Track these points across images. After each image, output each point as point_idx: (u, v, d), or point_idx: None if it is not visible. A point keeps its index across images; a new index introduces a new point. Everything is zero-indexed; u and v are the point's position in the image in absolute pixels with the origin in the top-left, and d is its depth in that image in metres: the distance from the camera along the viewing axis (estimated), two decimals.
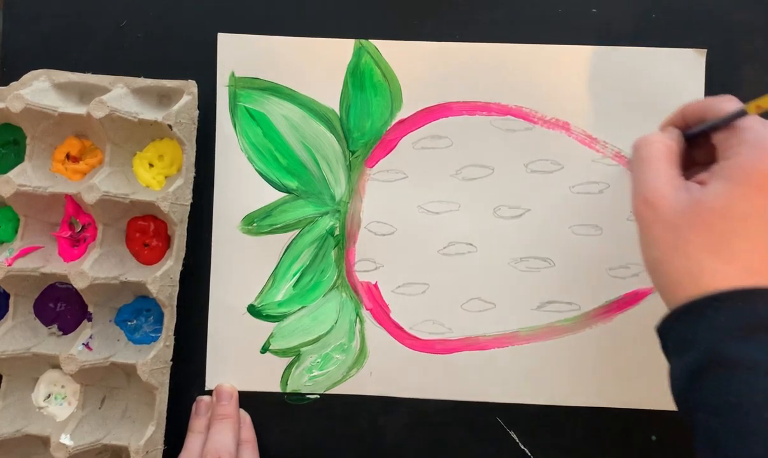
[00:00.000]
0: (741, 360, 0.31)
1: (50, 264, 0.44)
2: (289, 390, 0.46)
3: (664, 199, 0.34)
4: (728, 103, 0.35)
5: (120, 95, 0.43)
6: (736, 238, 0.32)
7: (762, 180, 0.32)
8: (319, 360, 0.46)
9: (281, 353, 0.46)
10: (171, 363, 0.43)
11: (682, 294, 0.33)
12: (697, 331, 0.32)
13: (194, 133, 0.43)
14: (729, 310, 0.31)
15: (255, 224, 0.46)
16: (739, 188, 0.32)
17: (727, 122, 0.34)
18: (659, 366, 0.45)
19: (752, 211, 0.32)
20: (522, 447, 0.45)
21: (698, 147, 0.37)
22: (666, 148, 0.36)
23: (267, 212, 0.46)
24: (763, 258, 0.32)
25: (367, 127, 0.46)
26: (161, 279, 0.42)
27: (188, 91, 0.44)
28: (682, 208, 0.33)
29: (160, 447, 0.43)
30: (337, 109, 0.46)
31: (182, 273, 0.43)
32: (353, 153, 0.46)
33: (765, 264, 0.32)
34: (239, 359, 0.46)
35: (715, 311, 0.31)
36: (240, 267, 0.45)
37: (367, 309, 0.46)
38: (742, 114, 0.33)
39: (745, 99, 0.45)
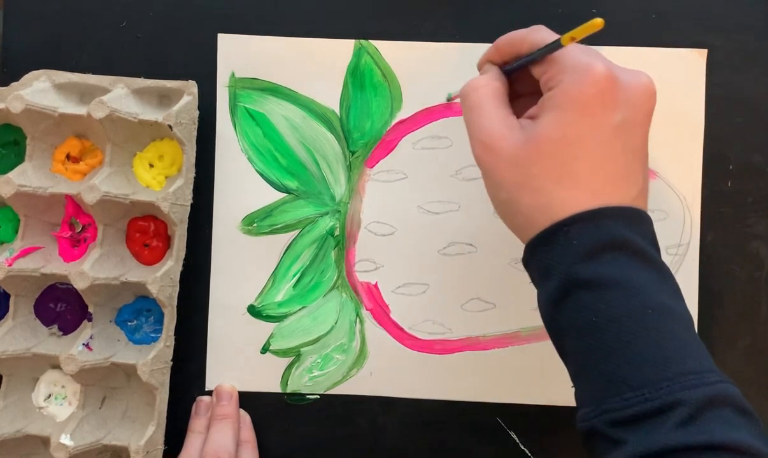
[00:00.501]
0: (595, 279, 0.31)
1: (50, 264, 0.44)
2: (289, 390, 0.46)
3: (501, 140, 0.34)
4: (540, 33, 0.35)
5: (120, 95, 0.43)
6: (576, 163, 0.32)
7: (588, 101, 0.32)
8: (319, 360, 0.46)
9: (281, 353, 0.46)
10: (171, 363, 0.43)
11: (537, 228, 0.33)
12: (553, 258, 0.32)
13: (194, 133, 0.43)
14: (578, 233, 0.32)
15: (255, 224, 0.46)
16: (569, 114, 0.32)
17: (545, 54, 0.34)
18: None
19: (585, 134, 0.32)
20: (522, 447, 0.45)
21: (518, 80, 0.37)
22: (493, 90, 0.35)
23: (267, 212, 0.46)
24: (604, 179, 0.32)
25: (367, 128, 0.46)
26: (161, 279, 0.42)
27: (188, 91, 0.44)
28: (521, 146, 0.33)
29: (160, 447, 0.43)
30: (337, 110, 0.46)
31: (182, 274, 0.43)
32: (353, 153, 0.46)
33: (606, 183, 0.32)
34: (239, 359, 0.46)
35: (565, 235, 0.32)
36: (240, 267, 0.45)
37: (367, 310, 0.46)
38: (558, 45, 0.33)
39: (746, 100, 0.45)
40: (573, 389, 0.45)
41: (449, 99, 0.45)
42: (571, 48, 0.33)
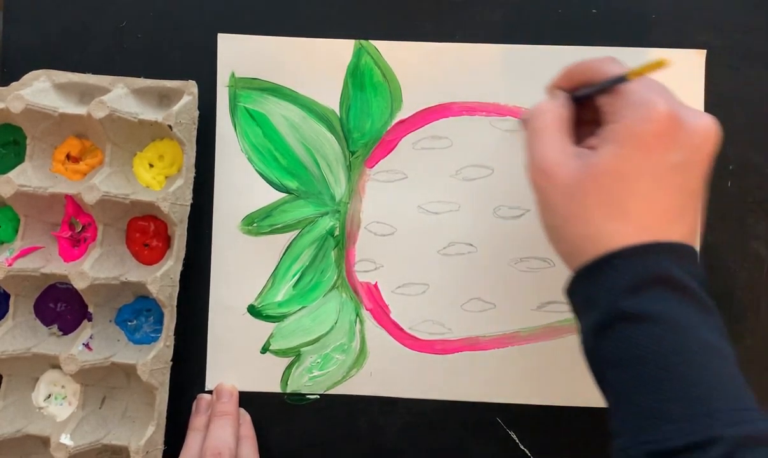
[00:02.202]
0: (639, 313, 0.31)
1: (50, 264, 0.44)
2: (289, 390, 0.46)
3: (558, 167, 0.34)
4: (610, 66, 0.36)
5: (120, 95, 0.43)
6: (629, 198, 0.33)
7: (648, 140, 0.33)
8: (319, 360, 0.46)
9: (281, 353, 0.46)
10: (171, 363, 0.43)
11: (585, 258, 0.33)
12: (599, 290, 0.33)
13: (194, 133, 0.43)
14: (625, 266, 0.32)
15: (255, 224, 0.46)
16: (627, 150, 0.33)
17: (610, 85, 0.35)
18: None
19: (642, 171, 0.33)
20: (522, 447, 0.45)
21: (584, 107, 0.37)
22: (557, 116, 0.36)
23: (267, 212, 0.46)
24: (655, 215, 0.33)
25: (367, 128, 0.46)
26: (161, 279, 0.42)
27: (188, 91, 0.44)
28: (577, 175, 0.34)
29: (160, 447, 0.43)
30: (337, 110, 0.46)
31: (182, 274, 0.43)
32: (353, 153, 0.46)
33: (657, 220, 0.33)
34: (239, 359, 0.46)
35: (613, 268, 0.32)
36: (240, 267, 0.45)
37: (367, 310, 0.46)
38: (623, 79, 0.34)
39: (746, 100, 0.45)
40: (573, 389, 0.45)
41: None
42: (638, 83, 0.34)
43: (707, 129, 0.34)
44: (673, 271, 0.32)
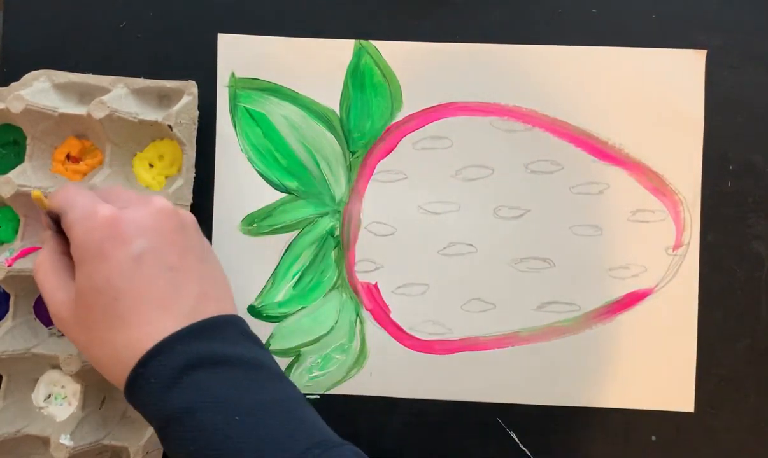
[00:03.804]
0: (178, 409, 0.31)
1: None
2: None
3: (61, 306, 0.35)
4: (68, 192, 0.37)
5: (120, 95, 0.43)
6: (117, 305, 0.33)
7: (99, 247, 0.34)
8: (319, 360, 0.46)
9: (281, 353, 0.46)
10: None
11: (121, 377, 0.33)
12: (143, 402, 0.33)
13: (194, 133, 0.43)
14: (152, 371, 0.32)
15: (255, 224, 0.46)
16: (88, 265, 0.34)
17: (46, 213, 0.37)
18: (659, 366, 0.45)
19: (109, 275, 0.33)
20: (522, 447, 0.45)
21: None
22: (49, 263, 0.37)
23: (267, 212, 0.46)
24: (153, 308, 0.33)
25: (367, 128, 0.46)
26: None
27: (188, 91, 0.44)
28: (74, 306, 0.35)
29: (160, 447, 0.43)
30: (337, 110, 0.46)
31: None
32: (353, 153, 0.46)
33: (158, 311, 0.33)
34: None
35: (143, 378, 0.32)
36: (240, 267, 0.45)
37: (367, 310, 0.46)
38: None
39: (746, 100, 0.45)
40: (573, 389, 0.45)
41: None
42: (78, 196, 0.35)
43: (159, 211, 0.35)
44: (198, 351, 0.32)
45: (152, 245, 0.34)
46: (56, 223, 0.38)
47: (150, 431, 0.42)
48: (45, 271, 0.37)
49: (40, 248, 0.44)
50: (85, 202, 0.35)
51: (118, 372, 0.33)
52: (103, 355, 0.34)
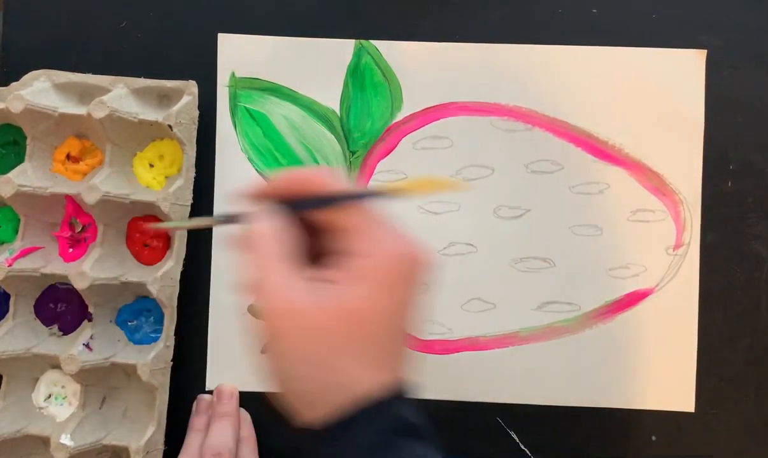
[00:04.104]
0: None
1: (50, 264, 0.44)
2: None
3: (297, 305, 0.29)
4: (331, 180, 0.30)
5: (120, 95, 0.43)
6: (377, 340, 0.30)
7: (402, 278, 0.30)
8: None
9: None
10: (171, 363, 0.43)
11: (331, 408, 0.29)
12: (352, 447, 0.29)
13: (194, 133, 0.43)
14: (374, 417, 0.29)
15: None
16: (377, 289, 0.29)
17: (354, 200, 0.30)
18: (659, 366, 0.45)
19: (390, 308, 0.30)
20: (522, 447, 0.45)
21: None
22: (279, 242, 0.30)
23: None
24: (397, 355, 0.31)
25: (367, 127, 0.46)
26: (162, 279, 0.42)
27: (188, 91, 0.44)
28: (321, 315, 0.29)
29: (161, 447, 0.43)
30: (337, 110, 0.45)
31: (182, 274, 0.43)
32: (353, 153, 0.46)
33: (398, 360, 0.31)
34: (239, 359, 0.45)
35: (365, 422, 0.29)
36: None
37: None
38: (374, 195, 0.30)
39: (746, 100, 0.45)
40: (573, 389, 0.45)
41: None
42: (381, 216, 0.30)
43: (420, 260, 0.31)
44: (414, 418, 0.31)
45: (414, 295, 0.31)
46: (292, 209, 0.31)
47: (150, 431, 0.42)
48: (277, 247, 0.30)
49: (41, 248, 0.44)
50: (389, 226, 0.30)
51: (326, 401, 0.29)
52: (322, 378, 0.29)
